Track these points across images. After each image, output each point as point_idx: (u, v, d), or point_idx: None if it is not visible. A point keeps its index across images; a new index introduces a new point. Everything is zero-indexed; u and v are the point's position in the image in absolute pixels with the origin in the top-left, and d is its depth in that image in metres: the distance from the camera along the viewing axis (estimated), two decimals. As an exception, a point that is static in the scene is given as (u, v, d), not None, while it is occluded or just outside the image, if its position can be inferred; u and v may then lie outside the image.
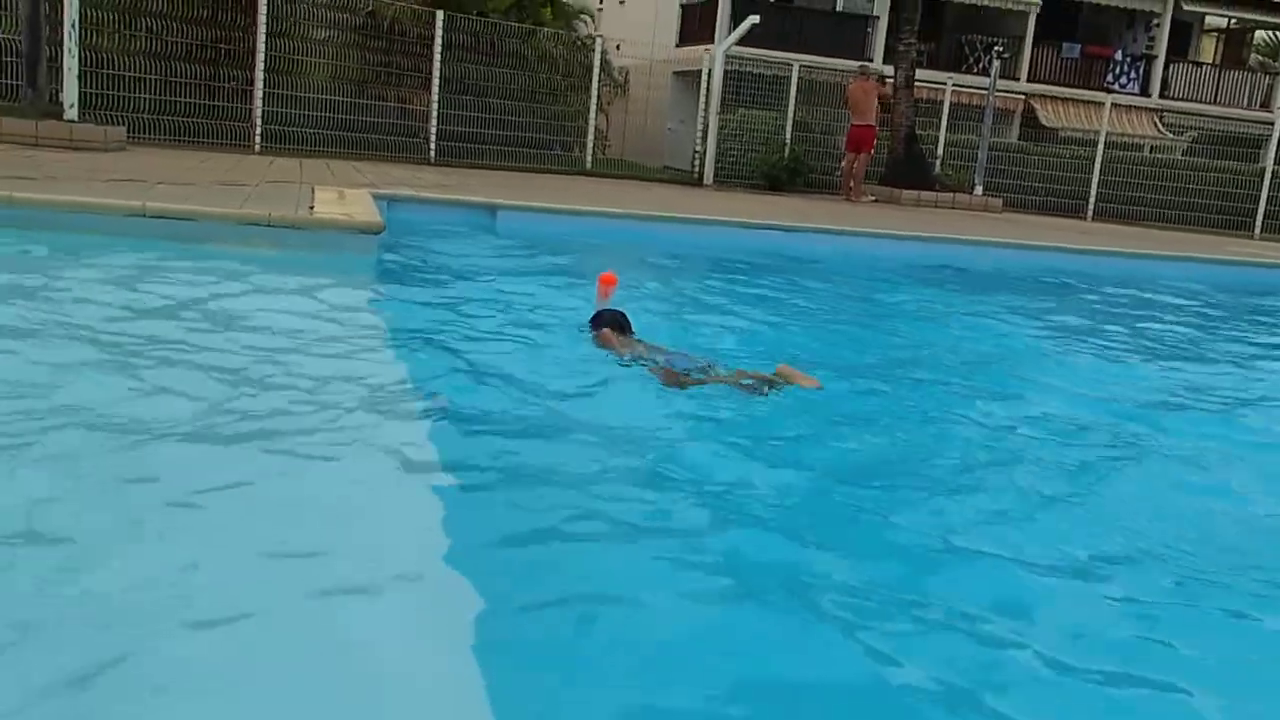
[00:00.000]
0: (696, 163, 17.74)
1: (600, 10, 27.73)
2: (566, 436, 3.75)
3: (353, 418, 3.63)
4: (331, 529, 2.72)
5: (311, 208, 7.17)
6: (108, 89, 12.63)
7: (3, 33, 11.70)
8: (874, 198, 16.58)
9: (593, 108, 17.11)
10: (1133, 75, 26.27)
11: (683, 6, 24.88)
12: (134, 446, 3.10)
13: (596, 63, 17.05)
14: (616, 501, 3.13)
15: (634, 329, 4.85)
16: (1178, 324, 8.21)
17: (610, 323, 4.78)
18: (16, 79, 11.28)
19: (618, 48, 19.84)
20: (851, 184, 16.38)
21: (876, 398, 4.72)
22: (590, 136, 17.13)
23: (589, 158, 17.11)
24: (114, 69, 12.83)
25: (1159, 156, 22.50)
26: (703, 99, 17.71)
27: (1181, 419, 4.86)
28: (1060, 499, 3.49)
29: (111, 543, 2.47)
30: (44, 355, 3.90)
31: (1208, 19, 28.04)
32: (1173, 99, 26.31)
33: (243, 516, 2.72)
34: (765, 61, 19.06)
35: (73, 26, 10.76)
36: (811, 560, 2.85)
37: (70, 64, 10.80)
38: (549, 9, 17.81)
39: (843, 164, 16.96)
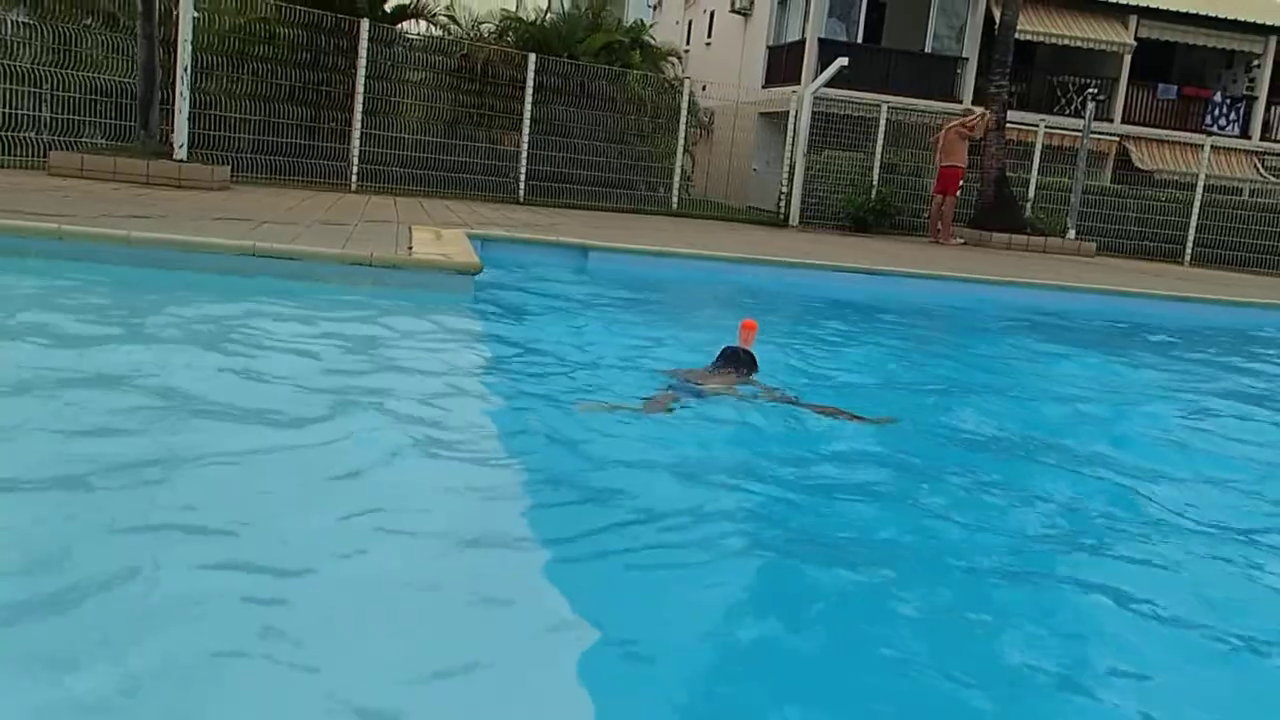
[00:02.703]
0: (782, 204, 17.72)
1: (687, 52, 28.06)
2: (653, 472, 3.76)
3: (449, 453, 3.70)
4: (424, 555, 2.76)
5: (410, 248, 7.32)
6: (214, 129, 13.09)
7: (116, 76, 12.21)
8: (962, 240, 16.35)
9: (679, 148, 17.24)
10: (1232, 117, 25.60)
11: (770, 48, 24.98)
12: (235, 475, 3.18)
13: (684, 104, 17.19)
14: (707, 540, 3.11)
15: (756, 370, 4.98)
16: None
17: (730, 357, 4.97)
18: (131, 119, 11.76)
19: (704, 89, 19.99)
20: (940, 226, 16.19)
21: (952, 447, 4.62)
22: (676, 177, 17.24)
23: (675, 198, 17.21)
24: (220, 110, 13.31)
25: (1260, 200, 21.82)
26: (789, 140, 17.72)
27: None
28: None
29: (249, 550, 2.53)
30: (165, 385, 4.03)
31: (1311, 59, 27.22)
32: (1275, 140, 25.56)
33: (329, 559, 2.75)
34: (853, 102, 19.00)
35: (185, 70, 11.20)
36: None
37: (182, 106, 11.24)
38: (638, 51, 18.02)
39: (930, 206, 16.79)
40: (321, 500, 3.12)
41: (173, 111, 11.33)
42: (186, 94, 11.23)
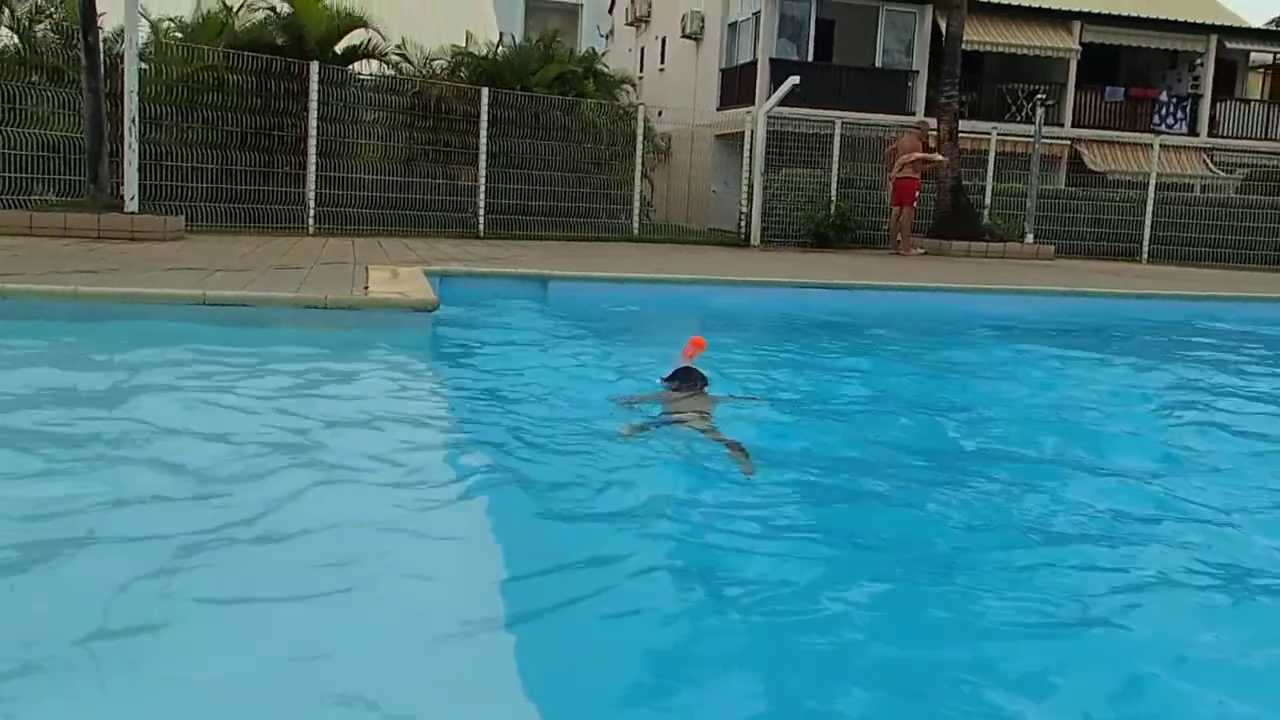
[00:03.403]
0: (743, 224, 17.79)
1: (641, 79, 28.20)
2: (622, 506, 3.70)
3: (406, 493, 3.63)
4: (383, 601, 2.69)
5: (366, 288, 7.25)
6: (166, 180, 12.99)
7: (65, 132, 12.10)
8: (923, 250, 16.47)
9: (637, 174, 17.29)
10: (1179, 115, 26.04)
11: (723, 71, 25.17)
12: (194, 528, 3.09)
13: (639, 130, 17.26)
14: (672, 588, 3.06)
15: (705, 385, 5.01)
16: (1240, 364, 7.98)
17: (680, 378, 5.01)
18: (81, 174, 11.64)
19: (660, 114, 20.09)
20: (900, 237, 16.31)
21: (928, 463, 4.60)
22: (636, 203, 17.28)
23: (635, 224, 17.23)
24: (172, 160, 13.21)
25: (1211, 195, 22.15)
26: (746, 160, 17.82)
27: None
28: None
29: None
30: (114, 438, 3.94)
31: (1253, 56, 27.78)
32: (1222, 137, 26.01)
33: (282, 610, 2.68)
34: (807, 120, 19.16)
35: (133, 122, 11.10)
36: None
37: (130, 158, 11.12)
38: (591, 80, 18.07)
39: (889, 218, 16.92)
40: (272, 551, 3.03)
41: (122, 164, 11.22)
42: (135, 145, 11.12)
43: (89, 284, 6.49)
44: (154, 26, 14.72)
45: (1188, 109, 26.16)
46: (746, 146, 17.86)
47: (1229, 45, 25.68)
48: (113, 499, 3.40)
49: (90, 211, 10.76)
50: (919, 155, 15.92)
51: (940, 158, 16.39)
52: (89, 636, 2.40)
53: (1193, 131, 25.88)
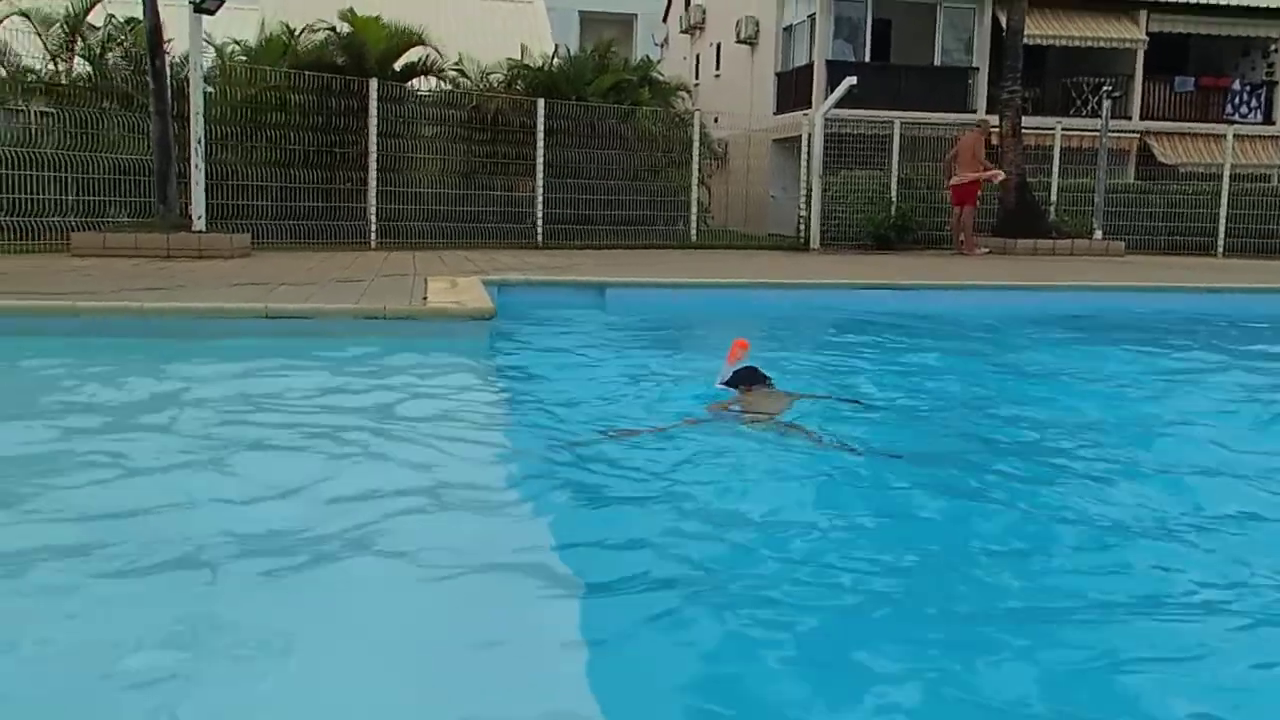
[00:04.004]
0: (801, 227, 17.66)
1: (697, 85, 28.20)
2: (682, 508, 3.67)
3: (464, 499, 3.64)
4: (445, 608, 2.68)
5: (425, 298, 7.33)
6: (232, 199, 13.28)
7: (135, 154, 12.43)
8: (987, 249, 16.18)
9: (694, 181, 17.27)
10: (1254, 104, 25.26)
11: (778, 75, 25.04)
12: (249, 532, 3.13)
13: (696, 136, 17.24)
14: (735, 582, 3.01)
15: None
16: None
17: (744, 379, 4.97)
18: (151, 196, 11.96)
19: (716, 120, 20.05)
20: (963, 237, 16.05)
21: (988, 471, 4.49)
22: (693, 209, 17.25)
23: (693, 230, 17.21)
24: (237, 179, 13.51)
25: (1291, 186, 21.46)
26: (804, 163, 17.69)
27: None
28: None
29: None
30: (178, 450, 4.02)
31: (1329, 39, 26.86)
32: (1300, 125, 25.18)
33: (346, 619, 2.69)
34: (865, 121, 18.95)
35: (199, 143, 11.38)
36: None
37: (197, 178, 11.40)
38: (646, 88, 18.11)
39: (951, 218, 16.67)
40: (338, 558, 3.05)
41: (190, 184, 11.50)
42: (201, 165, 11.39)
43: (156, 301, 6.65)
44: (219, 50, 15.09)
45: (1262, 97, 25.35)
46: (804, 150, 17.73)
47: (1304, 30, 24.87)
48: (177, 503, 3.46)
49: (159, 231, 11.04)
50: (972, 176, 15.60)
51: (998, 174, 16.01)
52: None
53: (1268, 120, 25.07)
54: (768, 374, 5.04)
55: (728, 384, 5.02)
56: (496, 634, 2.59)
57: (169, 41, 12.54)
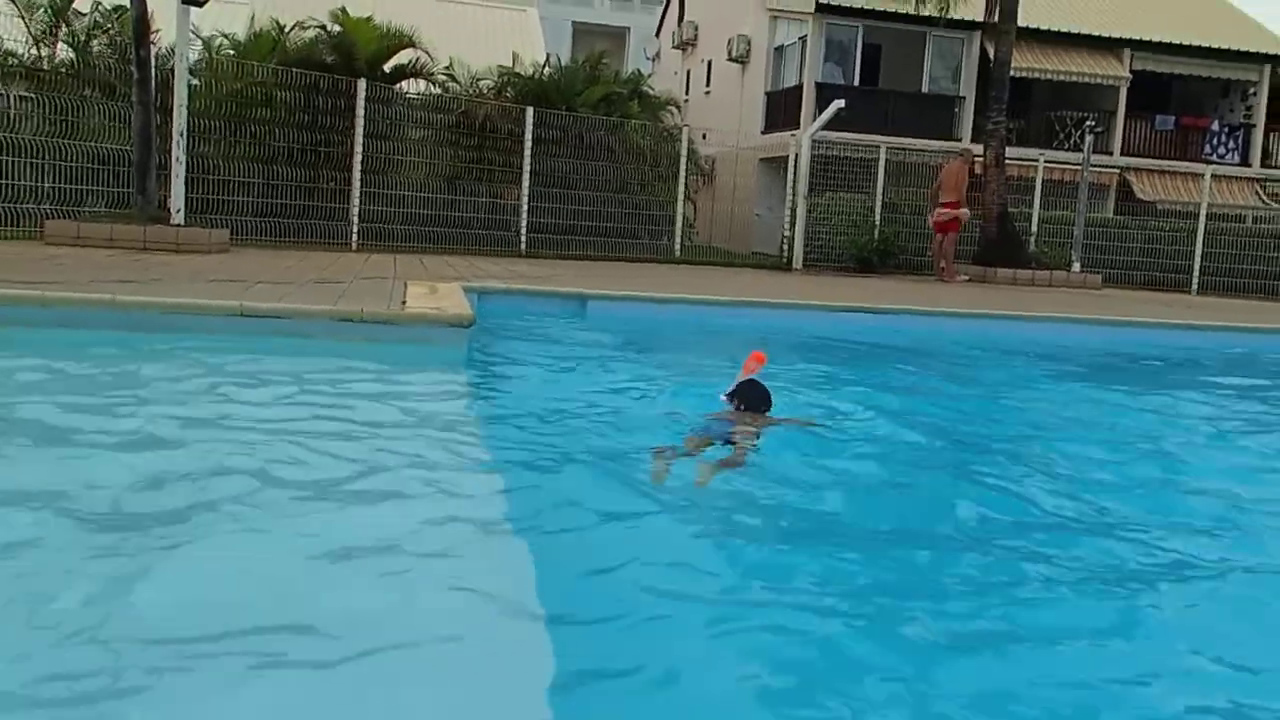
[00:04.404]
0: (785, 247, 17.69)
1: (687, 101, 28.27)
2: (654, 520, 3.63)
3: (436, 507, 3.58)
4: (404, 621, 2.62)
5: (404, 302, 7.25)
6: (213, 193, 13.15)
7: (116, 144, 12.29)
8: (967, 277, 16.27)
9: (680, 196, 17.27)
10: (1231, 145, 25.58)
11: (768, 94, 25.13)
12: (214, 534, 3.06)
13: (684, 152, 17.25)
14: (707, 591, 2.97)
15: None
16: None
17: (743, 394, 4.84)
18: (129, 187, 11.81)
19: (704, 137, 20.08)
20: (943, 264, 16.12)
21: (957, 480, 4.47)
22: (679, 224, 17.25)
23: (678, 245, 17.20)
24: (219, 174, 13.38)
25: (1263, 227, 21.71)
26: (790, 183, 17.73)
27: None
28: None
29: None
30: (146, 447, 3.93)
31: (1309, 85, 27.23)
32: (1275, 167, 25.50)
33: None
34: (852, 144, 19.04)
35: (181, 135, 11.26)
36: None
37: (178, 171, 11.28)
38: (636, 102, 18.12)
39: (932, 244, 16.74)
40: (304, 571, 2.98)
41: (170, 177, 11.37)
42: (183, 158, 11.27)
43: (129, 293, 6.54)
44: (206, 43, 14.97)
45: (1240, 139, 25.68)
46: (790, 170, 17.77)
47: (1283, 74, 25.23)
48: (125, 510, 3.38)
49: (136, 223, 10.91)
50: (951, 214, 15.69)
51: (964, 213, 16.04)
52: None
53: (1245, 162, 25.38)
54: (766, 392, 4.90)
55: (728, 395, 4.91)
56: (460, 647, 2.54)
57: (156, 32, 12.43)
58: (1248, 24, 27.85)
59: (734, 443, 4.44)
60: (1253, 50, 25.00)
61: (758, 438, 4.56)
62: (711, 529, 3.64)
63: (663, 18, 34.87)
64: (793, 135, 19.17)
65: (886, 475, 4.65)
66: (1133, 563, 3.54)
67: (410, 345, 6.44)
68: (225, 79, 14.12)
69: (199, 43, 14.56)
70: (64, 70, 13.44)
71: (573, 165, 16.18)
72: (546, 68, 18.17)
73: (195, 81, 13.33)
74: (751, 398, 4.83)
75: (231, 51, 15.10)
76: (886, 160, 18.33)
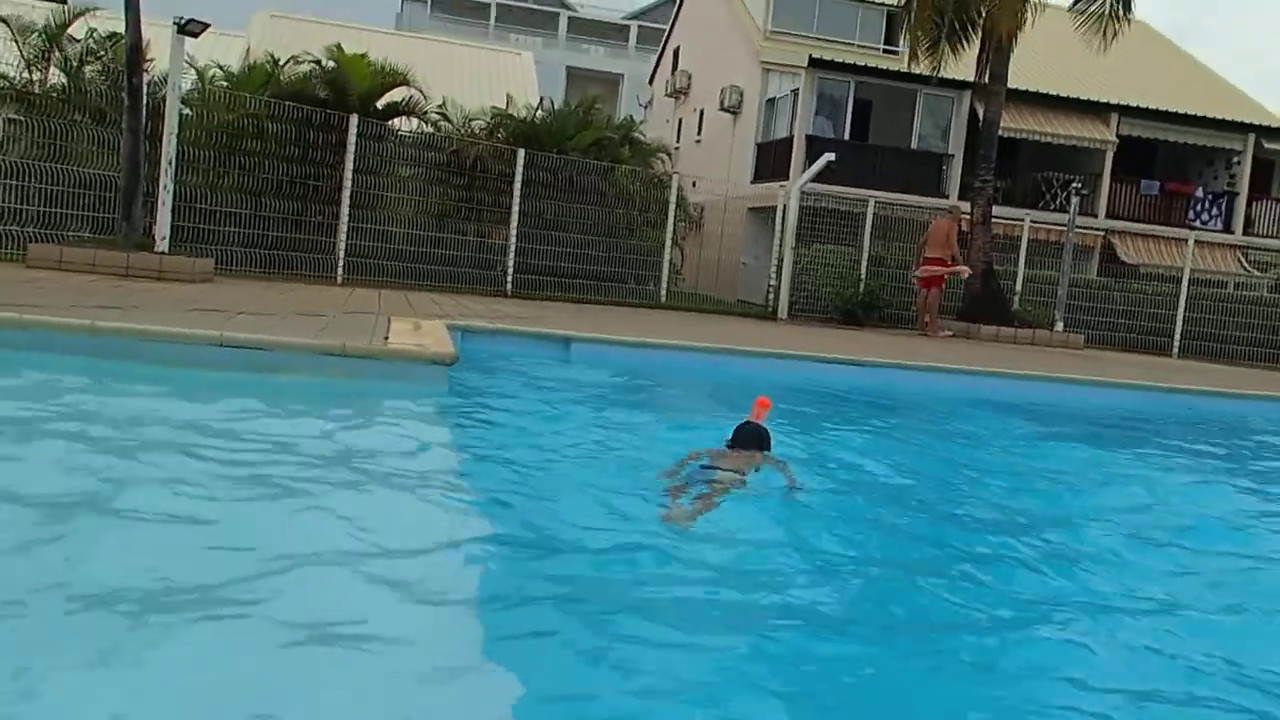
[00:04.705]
0: (771, 296, 17.73)
1: (677, 149, 28.45)
2: (633, 561, 3.58)
3: (411, 542, 3.50)
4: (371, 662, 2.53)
5: (386, 338, 7.19)
6: (199, 222, 13.08)
7: (103, 170, 12.23)
8: (950, 333, 16.32)
9: (668, 242, 17.30)
10: (1215, 212, 25.90)
11: (758, 145, 25.35)
12: (193, 572, 2.97)
13: (673, 199, 17.31)
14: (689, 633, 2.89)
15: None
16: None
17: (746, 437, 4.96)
18: (114, 213, 11.74)
19: (694, 184, 20.18)
20: (928, 319, 16.18)
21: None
22: (665, 270, 17.27)
23: (663, 291, 17.21)
24: (206, 203, 13.32)
25: (1245, 294, 21.93)
26: (778, 233, 17.82)
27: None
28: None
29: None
30: (119, 474, 3.84)
31: (1290, 156, 27.67)
32: (1257, 235, 25.82)
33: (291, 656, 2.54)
34: (840, 197, 19.18)
35: (170, 164, 11.22)
36: None
37: (165, 199, 11.23)
38: (627, 147, 18.21)
39: (917, 298, 16.83)
40: (269, 614, 2.89)
41: (156, 204, 11.31)
42: (170, 186, 11.23)
43: (108, 320, 6.45)
44: (200, 73, 14.98)
45: (1223, 206, 26.01)
46: (779, 220, 17.86)
47: (1266, 145, 25.57)
48: (97, 544, 3.29)
49: (120, 249, 10.83)
50: (938, 271, 15.87)
51: (964, 270, 16.27)
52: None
53: (1228, 228, 25.69)
54: (765, 434, 5.02)
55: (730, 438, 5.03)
56: (428, 686, 2.45)
57: (149, 60, 12.43)
58: (1234, 94, 28.37)
59: (713, 482, 4.43)
60: (1238, 120, 25.41)
61: (742, 475, 4.56)
62: (690, 577, 3.57)
63: (656, 65, 35.24)
64: (782, 186, 19.29)
65: (856, 529, 4.60)
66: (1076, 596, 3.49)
67: (391, 382, 6.37)
68: (217, 109, 14.12)
69: (192, 72, 14.57)
70: (55, 95, 13.41)
71: (562, 208, 16.21)
72: (539, 110, 18.25)
73: (187, 111, 13.34)
74: (741, 436, 4.96)
75: (225, 83, 15.11)
76: (874, 214, 18.46)
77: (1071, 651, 3.22)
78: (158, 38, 12.37)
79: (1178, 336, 19.08)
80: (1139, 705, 2.86)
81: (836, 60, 23.44)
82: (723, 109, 26.62)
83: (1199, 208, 25.91)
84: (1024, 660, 3.15)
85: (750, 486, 4.56)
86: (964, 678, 2.96)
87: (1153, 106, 24.62)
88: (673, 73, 32.15)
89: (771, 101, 25.22)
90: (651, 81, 35.71)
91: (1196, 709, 2.86)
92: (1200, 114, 24.92)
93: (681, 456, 4.86)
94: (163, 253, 11.10)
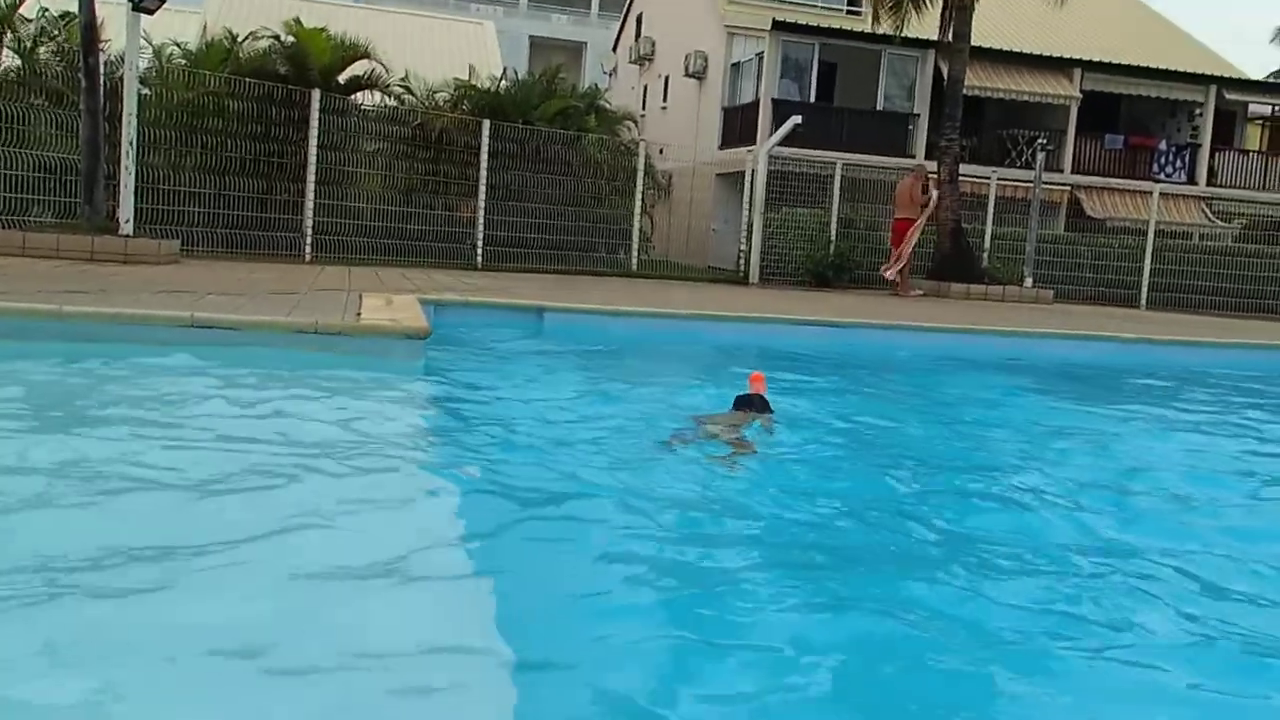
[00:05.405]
0: (741, 261, 17.76)
1: (644, 116, 28.31)
2: (605, 527, 3.62)
3: (390, 518, 3.52)
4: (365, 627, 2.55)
5: (359, 314, 7.17)
6: (163, 204, 12.93)
7: (63, 153, 12.05)
8: (921, 292, 16.43)
9: (637, 210, 17.27)
10: (1178, 164, 26.11)
11: (725, 110, 25.27)
12: (172, 549, 2.97)
13: (640, 166, 17.26)
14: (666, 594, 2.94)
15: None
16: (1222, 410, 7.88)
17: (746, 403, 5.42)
18: (77, 197, 11.58)
19: (661, 152, 20.11)
20: (898, 279, 16.27)
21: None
22: (635, 238, 17.25)
23: (634, 259, 17.19)
24: (169, 184, 13.16)
25: (1209, 244, 22.18)
26: (746, 199, 17.82)
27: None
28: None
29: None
30: (93, 456, 3.82)
31: (1251, 107, 27.91)
32: (1220, 186, 26.08)
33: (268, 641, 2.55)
34: (808, 160, 19.19)
35: (131, 145, 11.07)
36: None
37: (127, 181, 11.08)
38: (593, 116, 18.11)
39: (889, 259, 16.90)
40: (252, 586, 2.90)
41: (119, 187, 11.16)
42: (132, 168, 11.07)
43: (75, 304, 6.39)
44: (157, 52, 14.75)
45: (1187, 158, 26.23)
46: (747, 185, 17.86)
47: (1228, 96, 25.78)
48: (78, 526, 3.28)
49: (84, 234, 10.69)
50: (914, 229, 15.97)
51: (932, 196, 16.34)
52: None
53: (1191, 180, 25.92)
54: (765, 402, 5.46)
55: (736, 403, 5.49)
56: (410, 662, 2.48)
57: (105, 40, 12.22)
58: (1194, 47, 28.56)
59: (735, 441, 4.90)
60: (1199, 72, 25.58)
61: (732, 429, 5.01)
62: (669, 537, 3.61)
63: (620, 33, 34.98)
64: (749, 151, 19.28)
65: (839, 481, 4.65)
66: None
67: (366, 357, 6.36)
68: (176, 88, 13.92)
69: (149, 51, 14.34)
70: (10, 78, 13.16)
71: (529, 179, 16.13)
72: (503, 81, 18.11)
73: (145, 91, 13.13)
74: (741, 402, 5.47)
75: (183, 61, 14.88)
76: (842, 176, 18.49)
77: (1051, 589, 3.30)
78: (112, 16, 12.15)
79: (1145, 288, 19.30)
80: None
81: (800, 23, 23.36)
82: (688, 75, 26.49)
83: (1163, 160, 26.11)
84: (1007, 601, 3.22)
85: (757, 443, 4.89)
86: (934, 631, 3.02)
87: (1115, 61, 24.73)
88: (636, 39, 31.93)
89: (736, 66, 25.12)
90: (615, 49, 35.45)
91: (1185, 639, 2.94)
92: (1162, 67, 25.06)
93: (679, 423, 5.13)
94: (127, 235, 10.97)
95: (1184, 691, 2.66)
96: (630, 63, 32.57)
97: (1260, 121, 29.23)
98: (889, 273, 16.07)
